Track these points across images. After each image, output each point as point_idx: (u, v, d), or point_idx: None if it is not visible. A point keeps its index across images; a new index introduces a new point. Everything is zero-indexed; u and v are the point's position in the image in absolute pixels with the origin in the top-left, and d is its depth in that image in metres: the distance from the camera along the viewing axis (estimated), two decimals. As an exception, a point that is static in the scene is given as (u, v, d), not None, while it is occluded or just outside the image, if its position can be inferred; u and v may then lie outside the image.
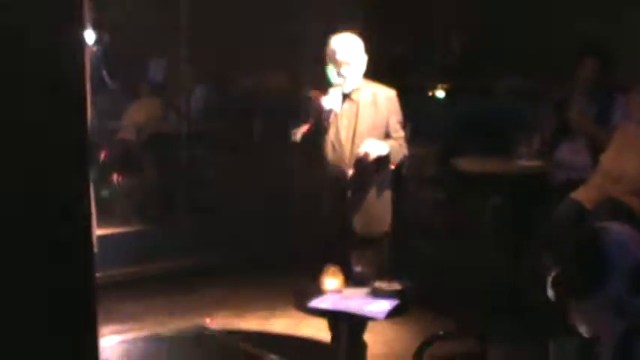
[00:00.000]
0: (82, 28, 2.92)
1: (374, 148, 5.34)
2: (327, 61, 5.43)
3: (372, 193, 5.55)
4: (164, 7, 11.01)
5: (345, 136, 5.42)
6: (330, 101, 5.29)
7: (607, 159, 6.65)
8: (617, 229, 3.43)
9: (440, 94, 9.35)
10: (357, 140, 5.40)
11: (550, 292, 3.48)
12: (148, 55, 10.98)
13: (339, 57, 5.36)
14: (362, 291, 5.10)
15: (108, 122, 10.21)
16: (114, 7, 10.16)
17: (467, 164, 7.45)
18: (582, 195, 6.66)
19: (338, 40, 5.44)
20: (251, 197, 9.48)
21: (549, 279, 3.50)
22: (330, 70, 5.41)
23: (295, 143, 5.45)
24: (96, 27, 8.77)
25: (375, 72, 8.68)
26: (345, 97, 5.42)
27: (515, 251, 7.31)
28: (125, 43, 10.44)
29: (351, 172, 5.43)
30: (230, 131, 10.17)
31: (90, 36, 8.14)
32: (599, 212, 6.40)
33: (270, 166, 9.27)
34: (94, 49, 9.30)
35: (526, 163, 7.23)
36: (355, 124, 5.42)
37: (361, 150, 5.32)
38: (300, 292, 5.15)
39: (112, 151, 10.22)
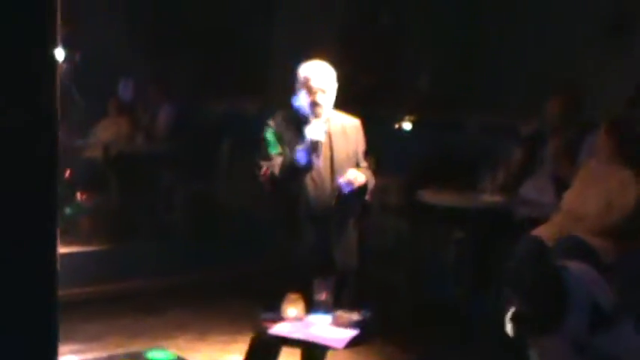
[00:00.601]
0: (55, 45, 2.93)
1: (358, 176, 5.36)
2: (299, 88, 5.37)
3: (350, 225, 5.56)
4: (136, 26, 11.08)
5: (324, 168, 5.36)
6: (314, 133, 5.23)
7: (570, 197, 6.73)
8: (577, 267, 3.50)
9: (407, 126, 9.39)
10: (335, 171, 5.37)
11: (509, 328, 3.53)
12: (117, 73, 10.99)
13: (313, 84, 5.31)
14: (323, 319, 5.12)
15: (75, 140, 10.22)
16: (85, 25, 10.21)
17: (431, 196, 7.50)
18: (544, 232, 6.71)
19: (311, 67, 5.40)
20: (217, 219, 9.49)
21: (509, 315, 3.55)
22: (302, 99, 5.36)
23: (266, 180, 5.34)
24: (66, 44, 8.77)
25: (343, 102, 8.77)
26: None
27: (475, 285, 7.35)
28: (95, 61, 10.48)
29: (334, 205, 5.41)
30: (198, 153, 10.17)
31: (60, 53, 8.12)
32: (559, 250, 6.45)
33: (237, 189, 9.28)
34: (64, 66, 9.29)
35: (489, 198, 7.30)
36: (332, 156, 5.37)
37: (345, 178, 5.32)
38: (260, 319, 5.16)
39: (78, 169, 10.19)
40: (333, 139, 5.41)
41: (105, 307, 7.91)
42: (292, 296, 5.12)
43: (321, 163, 5.33)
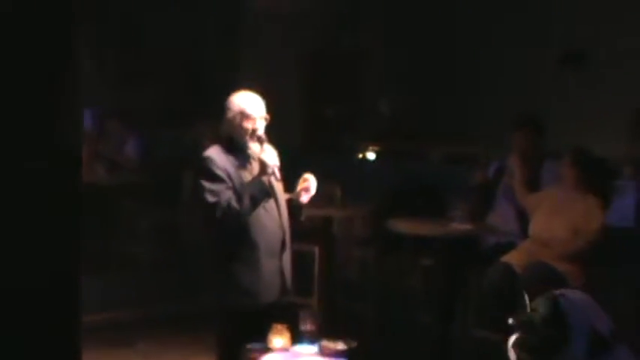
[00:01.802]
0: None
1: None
2: (234, 118, 5.37)
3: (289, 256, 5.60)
4: (100, 56, 11.05)
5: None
6: (270, 157, 5.32)
7: (537, 224, 6.89)
8: (575, 295, 3.58)
9: (371, 155, 9.47)
10: (278, 199, 5.44)
11: (511, 355, 3.60)
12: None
13: (252, 112, 5.35)
14: (309, 349, 5.15)
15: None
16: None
17: (397, 225, 7.54)
18: (513, 258, 6.84)
19: (246, 96, 5.43)
20: (181, 251, 9.47)
21: (510, 342, 3.62)
22: (238, 128, 5.36)
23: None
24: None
25: (306, 132, 8.83)
26: (251, 158, 5.43)
27: (444, 313, 7.42)
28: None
29: (286, 235, 5.49)
30: (161, 184, 10.14)
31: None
32: (529, 276, 6.57)
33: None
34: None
35: (459, 226, 7.36)
36: (270, 185, 5.40)
37: (301, 186, 5.51)
38: (247, 350, 5.17)
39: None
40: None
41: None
42: (278, 327, 5.14)
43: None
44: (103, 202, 10.14)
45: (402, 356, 7.40)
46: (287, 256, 5.54)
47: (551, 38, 8.58)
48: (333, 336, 5.24)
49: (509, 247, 7.06)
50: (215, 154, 5.36)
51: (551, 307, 3.51)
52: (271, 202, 5.40)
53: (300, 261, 8.08)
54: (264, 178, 5.32)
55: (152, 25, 10.95)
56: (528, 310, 3.60)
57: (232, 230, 5.30)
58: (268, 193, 5.32)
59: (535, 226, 6.90)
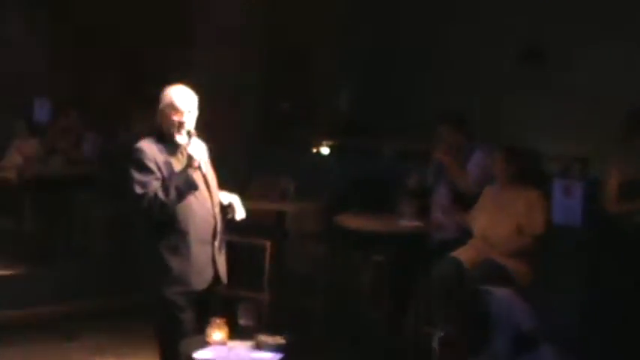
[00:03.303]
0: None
1: (235, 200, 5.63)
2: (165, 110, 5.45)
3: (223, 242, 5.66)
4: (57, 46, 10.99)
5: (202, 187, 5.46)
6: (197, 151, 5.36)
7: (480, 223, 6.93)
8: (501, 292, 3.59)
9: (324, 150, 9.48)
10: (211, 189, 5.53)
11: (436, 353, 3.61)
12: (33, 93, 10.88)
13: (180, 105, 5.41)
14: (246, 344, 5.15)
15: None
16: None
17: (349, 221, 7.56)
18: (462, 255, 6.86)
19: (177, 90, 5.50)
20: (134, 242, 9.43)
21: (435, 339, 3.63)
22: (168, 120, 5.43)
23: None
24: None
25: (260, 126, 8.80)
26: (180, 148, 5.47)
27: (393, 309, 7.43)
28: (10, 78, 10.39)
29: (218, 223, 5.55)
30: (116, 176, 10.09)
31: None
32: (477, 272, 6.60)
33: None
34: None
35: (407, 223, 7.40)
36: (204, 175, 5.50)
37: (237, 212, 5.61)
38: (183, 344, 5.17)
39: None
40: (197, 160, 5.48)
41: (21, 333, 7.79)
42: (216, 321, 5.15)
43: (199, 183, 5.42)
44: (57, 194, 10.11)
45: (348, 351, 7.39)
46: (219, 246, 5.57)
47: (509, 36, 8.59)
48: (276, 330, 5.28)
49: (456, 243, 7.06)
50: (146, 145, 5.42)
51: (474, 305, 3.52)
52: (203, 192, 5.46)
53: (251, 255, 8.17)
54: (190, 171, 5.34)
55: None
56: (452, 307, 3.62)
57: (161, 219, 5.33)
58: (194, 185, 5.34)
59: (479, 226, 6.93)
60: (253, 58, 9.43)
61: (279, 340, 5.16)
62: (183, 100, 5.44)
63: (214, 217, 5.51)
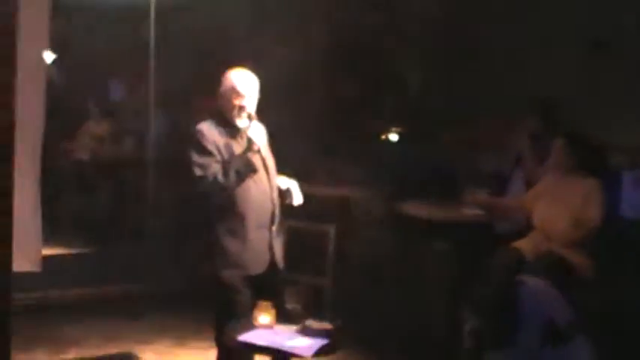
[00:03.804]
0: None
1: (293, 185, 5.64)
2: (226, 94, 5.49)
3: (281, 227, 5.69)
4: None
5: (262, 170, 5.49)
6: (257, 135, 5.40)
7: (538, 215, 6.80)
8: (532, 283, 3.52)
9: (393, 137, 9.42)
10: (270, 175, 5.55)
11: (467, 342, 3.56)
12: (104, 75, 10.98)
13: (241, 89, 5.45)
14: (292, 328, 5.15)
15: (63, 141, 10.27)
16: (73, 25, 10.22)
17: (411, 209, 7.51)
18: (523, 245, 6.75)
19: (238, 73, 5.54)
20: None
21: (466, 329, 3.58)
22: (228, 104, 5.47)
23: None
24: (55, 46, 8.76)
25: (329, 113, 8.76)
26: (241, 133, 5.50)
27: (454, 298, 7.35)
28: (83, 61, 10.49)
29: (276, 208, 5.56)
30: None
31: (48, 55, 8.10)
32: (538, 264, 6.48)
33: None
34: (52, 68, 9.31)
35: (470, 211, 7.31)
36: (263, 159, 5.52)
37: (295, 198, 5.62)
38: (232, 326, 5.19)
39: (65, 171, 10.22)
40: (258, 144, 5.50)
41: (86, 311, 7.93)
42: (263, 304, 5.15)
43: (260, 167, 5.46)
44: (129, 175, 10.20)
45: (410, 341, 7.33)
46: (277, 230, 5.59)
47: (577, 25, 8.42)
48: (335, 316, 5.27)
49: (521, 234, 6.95)
50: (206, 127, 5.46)
51: (506, 295, 3.46)
52: (262, 176, 5.49)
53: (315, 240, 8.17)
54: (250, 155, 5.37)
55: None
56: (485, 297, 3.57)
57: (220, 202, 5.37)
58: (253, 169, 5.38)
59: (537, 218, 6.80)
60: (321, 44, 9.39)
61: (326, 325, 5.13)
62: (244, 84, 5.48)
63: (272, 202, 5.53)
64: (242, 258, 5.44)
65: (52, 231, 8.67)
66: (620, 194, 7.35)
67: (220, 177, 5.27)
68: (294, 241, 8.15)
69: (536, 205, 6.83)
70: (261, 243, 5.49)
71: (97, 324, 7.71)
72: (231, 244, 5.42)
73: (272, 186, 5.54)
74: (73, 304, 8.04)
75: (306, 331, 5.09)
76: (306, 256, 8.18)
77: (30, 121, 7.15)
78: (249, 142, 5.37)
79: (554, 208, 6.67)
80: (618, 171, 7.43)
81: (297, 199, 5.64)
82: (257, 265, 5.49)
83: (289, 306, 5.27)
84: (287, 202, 5.65)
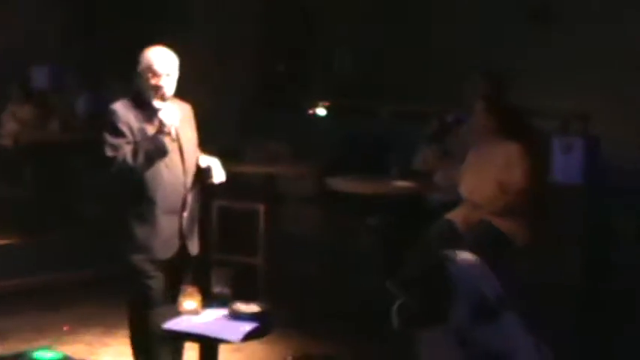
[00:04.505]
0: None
1: (214, 163, 5.41)
2: (142, 73, 5.30)
3: (195, 211, 5.50)
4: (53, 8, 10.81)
5: (175, 155, 5.30)
6: (169, 116, 5.17)
7: (465, 185, 6.71)
8: (462, 258, 3.41)
9: (321, 112, 9.28)
10: (185, 158, 5.34)
11: (395, 321, 3.44)
12: (31, 58, 10.73)
13: (158, 68, 5.26)
14: (220, 312, 4.99)
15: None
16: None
17: (341, 184, 7.39)
18: (456, 216, 6.67)
19: (155, 51, 5.34)
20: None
21: (394, 307, 3.46)
22: (145, 83, 5.28)
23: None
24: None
25: (256, 87, 8.62)
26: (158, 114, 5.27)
27: (387, 273, 7.25)
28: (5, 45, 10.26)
29: (189, 194, 5.38)
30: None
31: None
32: (471, 235, 6.41)
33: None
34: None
35: (402, 184, 7.21)
36: (179, 141, 5.32)
37: (215, 176, 5.38)
38: (156, 314, 5.03)
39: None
40: (179, 124, 5.33)
41: (15, 303, 7.71)
42: (188, 289, 5.00)
43: (172, 151, 5.25)
44: (56, 160, 9.98)
45: (348, 319, 7.23)
46: (190, 216, 5.43)
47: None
48: (270, 296, 5.16)
49: (454, 205, 6.85)
50: (120, 107, 5.30)
51: (435, 271, 3.34)
52: (175, 160, 5.31)
53: (245, 219, 8.04)
54: (161, 137, 5.18)
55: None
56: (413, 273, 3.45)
57: (130, 185, 5.23)
58: (163, 151, 5.19)
59: (464, 187, 6.71)
60: (250, 15, 9.23)
61: (254, 308, 4.99)
62: (161, 63, 5.29)
63: (185, 187, 5.35)
64: (149, 243, 5.29)
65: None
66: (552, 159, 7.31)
67: (129, 158, 5.10)
68: (224, 221, 8.08)
69: (464, 175, 6.74)
70: (171, 229, 5.33)
71: (26, 316, 7.50)
72: (139, 229, 5.28)
73: (187, 170, 5.35)
74: (1, 296, 7.80)
75: (234, 316, 4.94)
76: (236, 236, 8.06)
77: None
78: (161, 124, 5.16)
79: (479, 175, 6.57)
80: (550, 136, 7.37)
81: (218, 177, 5.43)
82: (165, 251, 5.34)
83: (217, 289, 5.12)
84: (208, 181, 5.45)
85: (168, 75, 5.28)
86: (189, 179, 5.38)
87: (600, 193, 7.17)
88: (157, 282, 5.31)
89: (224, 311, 4.98)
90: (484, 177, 6.53)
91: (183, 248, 5.39)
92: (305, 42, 9.60)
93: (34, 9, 10.91)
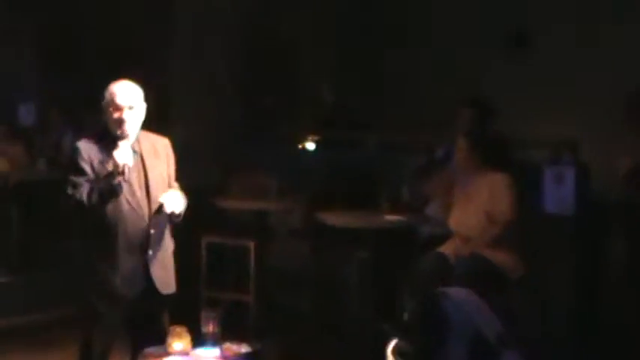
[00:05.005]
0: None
1: (178, 201, 5.19)
2: (106, 107, 5.16)
3: (167, 247, 5.34)
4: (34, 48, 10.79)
5: (139, 190, 5.14)
6: (122, 155, 4.98)
7: (453, 218, 6.68)
8: (457, 294, 3.34)
9: (310, 145, 9.25)
10: (151, 193, 5.16)
11: (391, 360, 3.37)
12: (14, 98, 10.68)
13: (119, 101, 5.10)
14: (210, 352, 4.91)
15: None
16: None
17: (330, 218, 7.32)
18: (447, 249, 6.61)
19: (117, 85, 5.19)
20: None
21: (390, 347, 3.40)
22: (109, 118, 5.13)
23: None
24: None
25: (245, 121, 8.58)
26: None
27: (377, 307, 7.20)
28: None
29: (152, 230, 5.18)
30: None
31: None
32: (462, 268, 6.34)
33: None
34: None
35: (390, 217, 7.16)
36: (146, 178, 5.17)
37: (166, 204, 5.13)
38: (145, 354, 4.94)
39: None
40: (146, 160, 5.21)
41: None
42: (177, 329, 4.91)
43: (136, 186, 5.11)
44: (44, 199, 9.89)
45: (339, 353, 7.15)
46: (156, 255, 5.23)
47: (494, 21, 8.38)
48: (262, 332, 5.07)
49: (446, 238, 6.79)
50: (83, 143, 5.16)
51: (429, 309, 3.27)
52: (139, 194, 5.14)
53: (235, 256, 7.97)
54: (113, 177, 4.99)
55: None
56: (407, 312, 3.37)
57: (92, 220, 5.10)
58: (115, 192, 5.00)
59: (452, 221, 6.68)
60: (234, 50, 9.20)
61: (245, 347, 4.91)
62: (123, 96, 5.12)
63: (147, 223, 5.16)
64: (111, 281, 5.12)
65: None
66: (542, 190, 7.28)
67: (85, 198, 4.96)
68: (214, 258, 7.99)
69: (452, 208, 6.70)
70: (133, 268, 5.15)
71: (11, 355, 7.37)
72: (99, 268, 5.14)
73: (151, 205, 5.17)
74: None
75: (225, 356, 4.87)
76: (226, 273, 7.99)
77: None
78: (114, 163, 4.98)
79: (466, 207, 6.54)
80: (540, 166, 7.34)
81: (172, 206, 5.14)
82: (128, 290, 5.15)
83: (204, 329, 5.03)
84: (166, 212, 5.19)
85: (130, 108, 5.11)
86: (154, 216, 5.18)
87: (591, 224, 7.12)
88: (112, 318, 5.17)
89: (215, 351, 4.91)
90: (471, 209, 6.50)
91: (150, 287, 5.20)
92: (290, 75, 9.57)
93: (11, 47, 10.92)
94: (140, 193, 5.14)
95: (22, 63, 11.05)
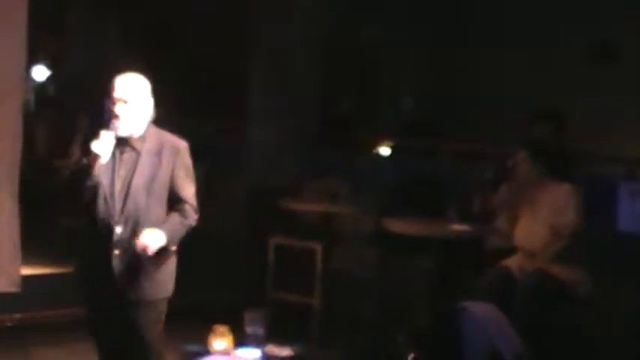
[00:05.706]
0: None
1: (152, 241, 4.78)
2: (107, 100, 4.88)
3: (151, 261, 4.93)
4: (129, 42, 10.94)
5: (119, 188, 4.84)
6: (99, 146, 4.73)
7: (519, 235, 6.57)
8: (479, 309, 3.27)
9: (384, 151, 9.19)
10: (131, 194, 4.84)
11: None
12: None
13: (115, 94, 4.83)
14: (251, 353, 4.91)
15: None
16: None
17: (397, 225, 7.24)
18: (513, 263, 6.48)
19: (120, 77, 4.93)
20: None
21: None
22: (108, 112, 4.84)
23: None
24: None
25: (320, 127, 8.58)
26: (126, 144, 4.90)
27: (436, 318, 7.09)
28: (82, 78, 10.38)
29: (119, 229, 4.83)
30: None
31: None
32: (528, 283, 6.21)
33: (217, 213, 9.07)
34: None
35: (456, 227, 7.06)
36: (132, 176, 4.86)
37: (139, 243, 4.74)
38: (187, 353, 4.95)
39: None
40: (142, 158, 4.91)
41: (66, 333, 7.55)
42: (219, 328, 4.92)
43: (117, 183, 4.85)
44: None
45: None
46: (130, 255, 4.85)
47: (576, 33, 8.23)
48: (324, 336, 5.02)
49: (512, 252, 6.66)
50: (90, 130, 4.96)
51: (447, 322, 3.20)
52: (116, 195, 4.85)
53: (302, 258, 7.95)
54: (84, 164, 4.77)
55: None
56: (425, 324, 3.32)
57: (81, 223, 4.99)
58: (83, 182, 4.75)
59: (517, 236, 6.59)
60: (314, 56, 9.20)
61: (287, 351, 4.90)
62: (120, 89, 4.85)
63: (117, 224, 4.84)
64: (82, 275, 4.98)
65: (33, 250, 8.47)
66: (617, 206, 7.12)
67: (70, 174, 4.87)
68: (281, 259, 7.98)
69: (516, 224, 6.59)
70: (101, 265, 4.82)
71: (78, 346, 7.35)
72: (78, 259, 5.04)
73: (127, 205, 4.84)
74: (53, 325, 7.69)
75: (266, 357, 4.86)
76: (293, 275, 7.96)
77: (6, 136, 6.93)
78: (90, 152, 4.73)
79: (530, 221, 6.44)
80: (615, 182, 7.18)
81: (145, 241, 4.74)
82: (96, 288, 4.91)
83: (248, 330, 5.03)
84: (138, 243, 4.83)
85: (125, 102, 4.84)
86: (131, 218, 4.86)
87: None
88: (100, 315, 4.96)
89: (255, 353, 4.90)
90: (535, 222, 6.38)
91: (121, 291, 4.87)
92: (369, 79, 9.54)
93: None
94: (119, 191, 4.85)
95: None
